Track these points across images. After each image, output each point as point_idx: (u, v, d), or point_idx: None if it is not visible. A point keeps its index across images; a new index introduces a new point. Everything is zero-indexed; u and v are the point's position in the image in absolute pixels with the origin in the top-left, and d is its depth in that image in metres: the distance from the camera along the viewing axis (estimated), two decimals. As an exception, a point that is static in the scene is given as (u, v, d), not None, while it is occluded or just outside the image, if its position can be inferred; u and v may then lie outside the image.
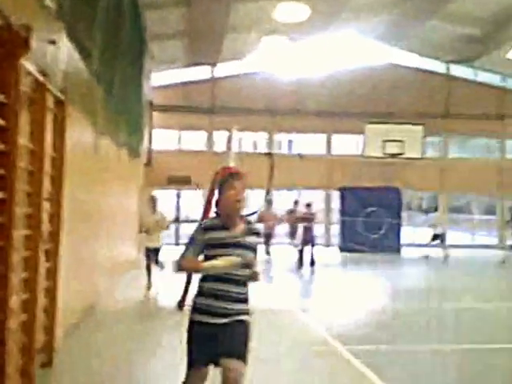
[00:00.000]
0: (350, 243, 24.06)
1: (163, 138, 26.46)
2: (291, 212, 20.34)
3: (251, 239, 4.41)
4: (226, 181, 4.38)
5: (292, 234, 19.96)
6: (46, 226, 6.42)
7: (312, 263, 17.77)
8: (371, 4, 21.64)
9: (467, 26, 22.73)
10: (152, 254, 13.12)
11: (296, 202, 20.99)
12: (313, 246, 17.87)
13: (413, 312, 11.44)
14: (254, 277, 4.35)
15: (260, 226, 4.59)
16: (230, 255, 4.24)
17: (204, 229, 4.38)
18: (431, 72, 27.70)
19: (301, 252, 17.88)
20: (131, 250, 17.47)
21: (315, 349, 8.20)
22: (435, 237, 22.62)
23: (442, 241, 22.38)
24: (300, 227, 18.20)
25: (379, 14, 22.68)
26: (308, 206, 18.30)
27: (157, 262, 13.17)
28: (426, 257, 21.95)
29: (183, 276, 10.99)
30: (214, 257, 4.26)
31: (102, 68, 10.71)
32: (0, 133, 4.67)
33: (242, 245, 4.33)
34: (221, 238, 4.30)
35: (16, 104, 4.74)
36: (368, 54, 27.29)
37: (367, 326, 9.98)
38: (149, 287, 13.05)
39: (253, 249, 4.42)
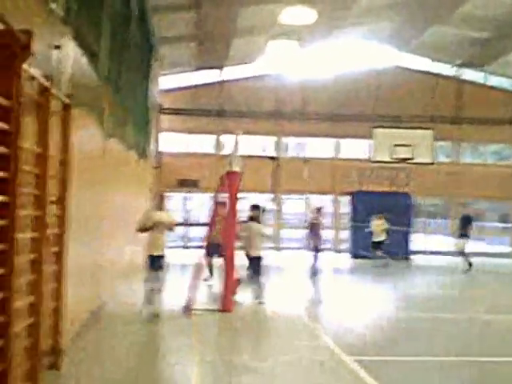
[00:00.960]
0: (360, 249, 23.37)
1: (173, 141, 26.56)
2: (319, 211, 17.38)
3: None
4: None
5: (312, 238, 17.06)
6: (52, 229, 6.45)
7: (315, 271, 16.28)
8: (377, 9, 21.60)
9: (477, 30, 22.62)
10: (156, 264, 10.88)
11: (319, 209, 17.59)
12: (318, 252, 16.35)
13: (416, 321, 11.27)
14: None
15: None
16: None
17: None
18: (440, 75, 27.42)
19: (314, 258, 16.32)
20: (139, 253, 17.45)
21: (319, 359, 7.90)
22: (374, 244, 21.06)
23: (380, 249, 20.88)
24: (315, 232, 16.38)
25: (385, 18, 22.63)
26: (318, 210, 16.88)
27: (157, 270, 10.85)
28: (383, 265, 20.45)
29: (188, 280, 10.99)
30: None
31: (109, 71, 10.77)
32: (3, 136, 4.70)
33: None
34: None
35: (18, 108, 4.77)
36: (376, 57, 27.17)
37: (374, 336, 9.64)
38: (157, 313, 10.53)
39: None
